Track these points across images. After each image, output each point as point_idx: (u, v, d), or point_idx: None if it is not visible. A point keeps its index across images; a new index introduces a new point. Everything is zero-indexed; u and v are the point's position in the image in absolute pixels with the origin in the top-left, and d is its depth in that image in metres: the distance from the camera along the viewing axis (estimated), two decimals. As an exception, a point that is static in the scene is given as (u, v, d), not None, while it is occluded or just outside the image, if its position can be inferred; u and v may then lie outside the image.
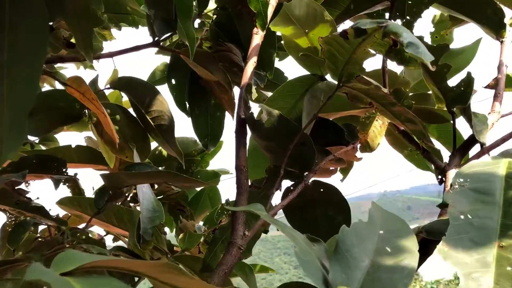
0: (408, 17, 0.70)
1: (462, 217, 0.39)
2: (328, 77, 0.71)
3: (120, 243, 0.98)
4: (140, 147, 0.84)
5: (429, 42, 0.95)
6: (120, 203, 1.01)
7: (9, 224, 1.02)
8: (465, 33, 1.10)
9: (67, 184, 0.84)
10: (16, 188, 0.98)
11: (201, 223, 1.17)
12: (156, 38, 0.87)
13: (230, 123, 1.19)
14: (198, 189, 1.24)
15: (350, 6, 0.69)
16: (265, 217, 0.38)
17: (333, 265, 0.34)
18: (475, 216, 0.39)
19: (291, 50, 0.70)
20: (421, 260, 0.47)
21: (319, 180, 0.62)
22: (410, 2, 0.68)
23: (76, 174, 0.80)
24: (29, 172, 0.91)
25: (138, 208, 0.87)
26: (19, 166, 0.96)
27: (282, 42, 0.72)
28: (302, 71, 0.75)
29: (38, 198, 0.96)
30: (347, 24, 0.74)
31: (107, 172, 1.01)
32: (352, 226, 0.37)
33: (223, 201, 1.18)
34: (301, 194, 0.59)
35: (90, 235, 0.64)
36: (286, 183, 0.65)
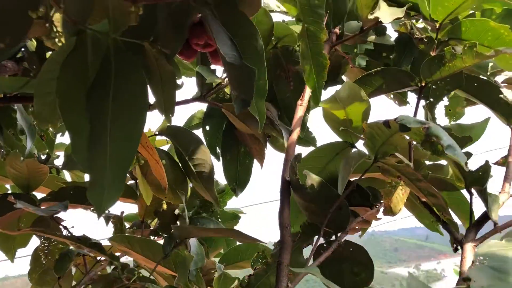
0: (431, 99, 0.80)
1: (483, 291, 0.48)
2: (358, 145, 0.80)
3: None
4: (180, 190, 0.92)
5: (443, 114, 1.06)
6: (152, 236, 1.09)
7: (41, 248, 1.09)
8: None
9: (111, 220, 0.92)
10: (54, 216, 1.06)
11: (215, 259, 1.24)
12: (204, 94, 0.97)
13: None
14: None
15: (382, 85, 0.79)
16: (322, 279, 0.46)
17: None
18: (494, 291, 0.48)
19: (328, 119, 0.79)
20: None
21: (349, 240, 0.71)
22: (434, 87, 0.78)
23: (122, 212, 0.88)
24: (66, 202, 0.99)
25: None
26: (58, 195, 1.04)
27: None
28: (324, 133, 0.85)
29: (73, 227, 1.04)
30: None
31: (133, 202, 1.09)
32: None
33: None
34: (333, 251, 0.67)
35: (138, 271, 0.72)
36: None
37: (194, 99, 0.93)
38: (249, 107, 0.60)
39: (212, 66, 1.00)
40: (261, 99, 0.62)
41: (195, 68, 0.98)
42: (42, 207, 0.99)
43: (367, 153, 0.73)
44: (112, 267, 0.77)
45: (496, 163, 0.80)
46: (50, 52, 0.76)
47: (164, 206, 1.19)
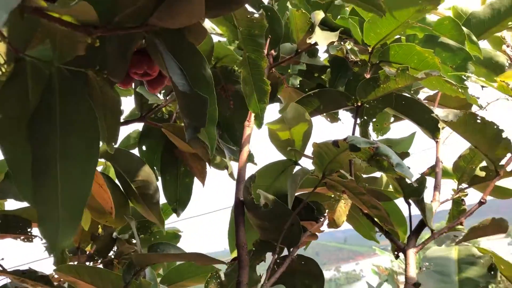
0: (365, 117, 0.86)
1: (432, 294, 0.53)
2: (301, 162, 0.84)
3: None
4: (120, 212, 0.90)
5: (371, 129, 1.14)
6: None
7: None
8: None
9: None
10: (-20, 248, 0.98)
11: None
12: (143, 114, 0.96)
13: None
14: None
15: (320, 106, 0.83)
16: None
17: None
18: (441, 294, 0.53)
19: (272, 138, 0.82)
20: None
21: (301, 254, 0.74)
22: (367, 106, 0.84)
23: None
24: (-6, 231, 0.92)
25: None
26: (-16, 226, 0.97)
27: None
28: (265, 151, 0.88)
29: (3, 259, 0.97)
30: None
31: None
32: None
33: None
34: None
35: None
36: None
37: (134, 120, 0.91)
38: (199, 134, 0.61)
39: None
40: (212, 125, 0.64)
41: (130, 89, 0.97)
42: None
43: (310, 169, 0.77)
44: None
45: (424, 174, 0.88)
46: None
47: (100, 230, 1.15)
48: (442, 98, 0.97)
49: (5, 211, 1.12)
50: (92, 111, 0.55)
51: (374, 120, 1.02)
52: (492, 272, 0.53)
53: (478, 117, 0.62)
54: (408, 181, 0.70)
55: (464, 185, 0.84)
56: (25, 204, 1.04)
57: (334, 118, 1.09)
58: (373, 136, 1.16)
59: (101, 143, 0.94)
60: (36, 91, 0.54)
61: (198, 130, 0.58)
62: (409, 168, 0.56)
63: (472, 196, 0.91)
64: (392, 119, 1.03)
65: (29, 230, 0.99)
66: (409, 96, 0.84)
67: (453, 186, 0.89)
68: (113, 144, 0.64)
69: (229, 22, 0.93)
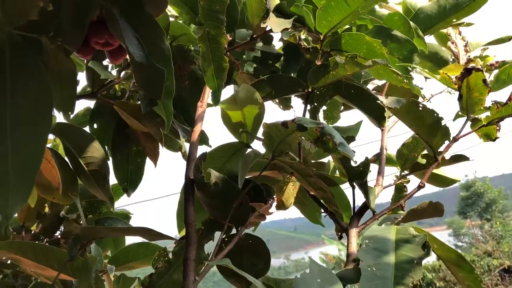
0: (315, 104, 0.89)
1: (369, 269, 0.56)
2: (253, 145, 0.86)
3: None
4: (69, 189, 0.88)
5: (321, 117, 1.17)
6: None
7: None
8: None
9: (-7, 225, 0.84)
10: None
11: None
12: (95, 90, 0.94)
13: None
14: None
15: (272, 92, 0.85)
16: (234, 268, 0.50)
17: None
18: (378, 269, 0.56)
19: (225, 120, 0.83)
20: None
21: (249, 233, 0.75)
22: (318, 93, 0.87)
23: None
24: None
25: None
26: None
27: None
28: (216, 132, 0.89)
29: None
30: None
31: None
32: (301, 276, 0.51)
33: (130, 242, 1.24)
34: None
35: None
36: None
37: (84, 96, 0.89)
38: (156, 108, 0.61)
39: (104, 62, 0.98)
40: (168, 99, 0.64)
41: (83, 63, 0.95)
42: None
43: (262, 152, 0.79)
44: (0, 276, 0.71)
45: (369, 161, 0.92)
46: None
47: (47, 209, 1.12)
48: (389, 89, 1.01)
49: None
50: (45, 79, 0.54)
51: (324, 107, 1.05)
52: (426, 250, 0.57)
53: (420, 105, 0.66)
54: (352, 164, 0.74)
55: (406, 172, 0.89)
56: None
57: (286, 106, 1.11)
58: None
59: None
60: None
61: (155, 102, 0.58)
62: (353, 151, 0.59)
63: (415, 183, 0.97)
64: (341, 108, 1.07)
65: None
66: (358, 85, 0.87)
67: (398, 173, 0.94)
68: (70, 113, 0.63)
69: (184, 3, 0.92)
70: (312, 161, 0.99)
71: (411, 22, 0.89)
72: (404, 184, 0.91)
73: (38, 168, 0.50)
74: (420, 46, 0.91)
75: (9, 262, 0.71)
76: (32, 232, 1.10)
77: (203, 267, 0.66)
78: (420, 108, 0.65)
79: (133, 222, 1.33)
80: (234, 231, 0.75)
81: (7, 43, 0.53)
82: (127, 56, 0.65)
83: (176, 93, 0.99)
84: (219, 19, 0.66)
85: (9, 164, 0.49)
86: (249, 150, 0.85)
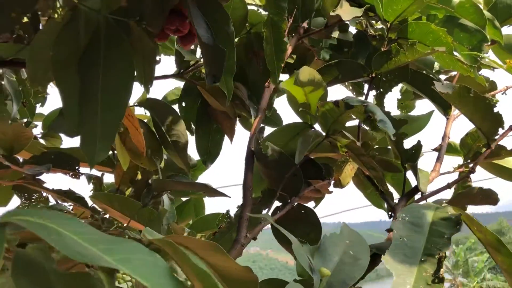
0: (381, 90, 0.92)
1: (400, 239, 0.60)
2: (316, 126, 0.92)
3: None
4: (154, 155, 1.01)
5: (396, 107, 1.19)
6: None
7: (21, 208, 1.16)
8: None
9: (91, 180, 1.01)
10: (36, 178, 1.13)
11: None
12: (181, 71, 1.06)
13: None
14: (184, 198, 1.42)
15: (338, 76, 0.90)
16: (272, 222, 0.57)
17: (316, 258, 0.54)
18: (409, 240, 0.60)
19: (290, 101, 0.90)
20: (372, 267, 0.68)
21: (301, 204, 0.82)
22: (384, 79, 0.90)
23: (103, 174, 0.97)
24: (47, 165, 1.07)
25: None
26: (40, 159, 1.12)
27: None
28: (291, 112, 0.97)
29: (53, 189, 1.12)
30: (336, 88, 0.96)
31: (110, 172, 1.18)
32: (330, 235, 0.57)
33: (207, 211, 1.37)
34: (287, 213, 0.79)
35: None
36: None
37: (172, 75, 1.02)
38: (219, 84, 0.70)
39: (192, 46, 1.09)
40: (229, 77, 0.72)
41: (174, 47, 1.08)
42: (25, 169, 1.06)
43: (322, 133, 0.85)
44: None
45: (435, 149, 0.93)
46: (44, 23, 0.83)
47: (139, 176, 1.28)
48: (461, 80, 1.00)
49: (58, 148, 1.29)
50: (129, 55, 0.65)
51: (393, 95, 1.07)
52: (458, 227, 0.59)
53: (471, 91, 0.67)
54: (405, 147, 0.77)
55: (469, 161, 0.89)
56: (75, 145, 1.17)
57: (359, 92, 1.15)
58: (398, 112, 1.22)
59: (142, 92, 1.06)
60: (86, 35, 0.65)
61: (217, 79, 0.67)
62: (393, 128, 0.63)
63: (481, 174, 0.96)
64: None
65: (77, 168, 1.13)
66: (424, 73, 0.89)
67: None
68: (148, 86, 0.74)
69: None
70: (376, 146, 1.02)
71: (486, 13, 0.88)
72: (468, 174, 0.90)
73: (119, 123, 0.61)
74: (495, 36, 0.90)
75: (100, 210, 0.85)
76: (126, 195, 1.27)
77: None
78: (471, 94, 0.67)
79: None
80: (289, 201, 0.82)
81: (103, 24, 0.65)
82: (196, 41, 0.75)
83: (252, 76, 1.09)
84: (281, 7, 0.73)
85: (98, 120, 0.61)
86: (311, 130, 0.91)
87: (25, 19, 0.97)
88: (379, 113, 0.63)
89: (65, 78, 0.65)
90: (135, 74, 0.76)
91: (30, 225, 0.31)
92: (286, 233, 0.56)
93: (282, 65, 0.79)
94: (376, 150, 1.02)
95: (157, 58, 0.76)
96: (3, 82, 1.05)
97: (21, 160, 1.12)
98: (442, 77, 1.07)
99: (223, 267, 0.49)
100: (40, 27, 0.78)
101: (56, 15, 0.70)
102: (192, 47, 1.11)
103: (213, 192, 0.76)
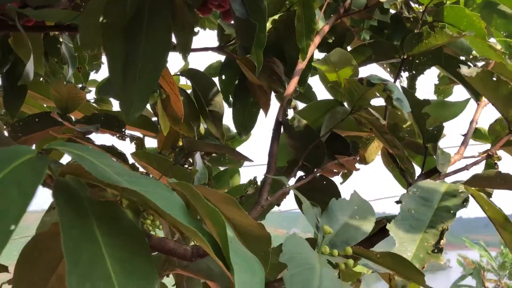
0: (414, 72, 0.94)
1: (408, 211, 0.63)
2: (346, 104, 0.95)
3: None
4: (192, 122, 1.08)
5: (433, 92, 1.19)
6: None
7: (72, 163, 1.27)
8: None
9: (134, 141, 1.09)
10: (86, 136, 1.24)
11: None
12: (222, 45, 1.12)
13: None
14: (221, 168, 1.50)
15: (372, 56, 0.92)
16: (289, 186, 0.62)
17: (323, 219, 0.59)
18: (416, 212, 0.63)
19: (322, 79, 0.94)
20: (381, 238, 0.72)
21: (323, 175, 0.86)
22: (417, 61, 0.92)
23: (144, 136, 1.05)
24: (96, 126, 1.16)
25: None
26: (90, 119, 1.22)
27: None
28: (324, 91, 1.00)
29: (98, 144, 1.22)
30: (368, 67, 0.98)
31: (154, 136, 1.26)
32: (339, 200, 0.62)
33: (241, 181, 1.43)
34: (309, 183, 0.83)
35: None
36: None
37: (212, 48, 1.08)
38: (250, 56, 0.75)
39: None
40: (260, 49, 0.77)
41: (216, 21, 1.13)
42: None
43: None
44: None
45: (464, 135, 0.94)
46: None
47: (180, 143, 1.36)
48: (497, 68, 1.00)
49: (107, 110, 1.39)
50: (169, 26, 0.71)
51: (428, 79, 1.08)
52: (464, 203, 0.62)
53: (494, 75, 0.68)
54: (427, 127, 0.79)
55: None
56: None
57: (395, 74, 1.16)
58: (434, 97, 1.22)
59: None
60: (132, 3, 0.72)
61: (248, 50, 0.72)
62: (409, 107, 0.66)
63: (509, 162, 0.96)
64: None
65: (123, 130, 1.22)
66: (457, 57, 0.90)
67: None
68: (186, 55, 0.80)
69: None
70: (407, 128, 1.04)
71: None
72: (495, 161, 0.91)
73: (154, 86, 0.68)
74: (536, 24, 0.89)
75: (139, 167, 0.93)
76: (166, 159, 1.35)
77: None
78: (494, 79, 0.68)
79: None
80: (313, 172, 0.86)
81: (147, -6, 0.71)
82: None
83: (290, 52, 1.13)
84: (314, -15, 0.77)
85: (136, 82, 0.68)
86: (341, 107, 0.94)
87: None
88: (396, 91, 0.66)
89: (112, 44, 0.72)
90: (175, 43, 0.82)
91: (70, 154, 0.37)
92: (298, 194, 0.61)
93: (311, 42, 0.83)
94: (407, 132, 1.04)
95: (196, 29, 0.82)
96: (60, 46, 1.15)
97: (73, 119, 1.23)
98: (480, 64, 1.07)
99: (239, 221, 0.55)
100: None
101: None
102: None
103: (238, 155, 0.82)
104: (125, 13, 0.72)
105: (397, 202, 0.69)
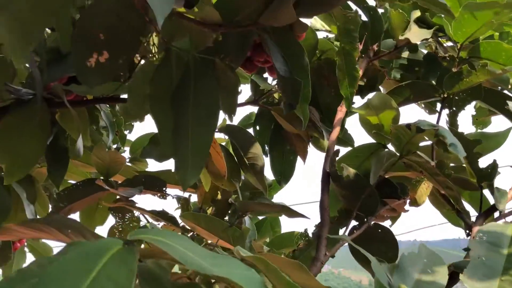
0: (454, 109, 0.93)
1: (478, 258, 0.61)
2: (389, 146, 0.94)
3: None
4: (233, 177, 1.09)
5: (470, 123, 1.18)
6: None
7: (116, 227, 1.28)
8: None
9: (180, 200, 1.10)
10: (129, 199, 1.25)
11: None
12: (257, 98, 1.13)
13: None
14: (261, 217, 1.49)
15: (410, 96, 0.92)
16: (346, 238, 0.61)
17: (395, 276, 0.57)
18: (488, 259, 0.61)
19: (363, 123, 0.94)
20: (451, 285, 0.69)
21: (377, 223, 0.85)
22: (457, 98, 0.91)
23: (190, 195, 1.06)
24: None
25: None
26: (132, 182, 1.24)
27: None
28: (362, 133, 1.00)
29: (148, 209, 1.23)
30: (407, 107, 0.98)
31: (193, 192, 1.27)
32: (408, 254, 0.60)
33: (283, 230, 1.42)
34: (363, 232, 0.82)
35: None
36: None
37: (248, 103, 1.09)
38: (295, 110, 0.75)
39: (264, 75, 1.17)
40: (305, 104, 0.78)
41: (249, 76, 1.16)
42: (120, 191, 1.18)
43: (395, 152, 0.88)
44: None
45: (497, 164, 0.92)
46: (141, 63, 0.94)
47: (219, 196, 1.36)
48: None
49: (147, 172, 1.40)
50: (216, 89, 0.73)
51: (468, 112, 1.07)
52: (539, 247, 0.60)
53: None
54: (480, 166, 0.78)
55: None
56: (162, 168, 1.28)
57: (432, 110, 1.15)
58: (472, 129, 1.21)
59: (222, 119, 1.15)
60: (178, 72, 0.74)
61: (294, 107, 0.73)
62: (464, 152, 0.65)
63: None
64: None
65: (164, 189, 1.23)
66: (498, 90, 0.89)
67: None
68: (232, 115, 0.82)
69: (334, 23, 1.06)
70: (451, 164, 1.02)
71: None
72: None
73: (207, 152, 0.68)
74: None
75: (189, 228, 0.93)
76: (207, 214, 1.35)
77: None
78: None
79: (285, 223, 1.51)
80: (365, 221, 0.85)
81: (192, 62, 0.73)
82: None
83: (324, 100, 1.14)
84: (353, 36, 0.78)
85: (189, 149, 0.69)
86: (385, 150, 0.93)
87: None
88: (450, 137, 0.65)
89: (160, 111, 0.73)
90: (222, 106, 0.83)
91: (156, 242, 0.38)
92: (364, 253, 0.60)
93: (355, 90, 0.83)
94: (451, 168, 1.03)
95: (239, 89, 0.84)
96: (99, 114, 1.18)
97: (115, 182, 1.24)
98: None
99: (306, 285, 0.54)
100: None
101: (152, 56, 0.79)
102: (265, 75, 1.19)
103: (292, 213, 0.81)
104: (172, 82, 0.74)
105: (465, 249, 0.67)
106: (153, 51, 0.77)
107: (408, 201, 0.92)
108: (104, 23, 0.65)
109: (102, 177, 1.22)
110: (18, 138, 0.81)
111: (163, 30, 0.72)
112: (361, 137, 1.24)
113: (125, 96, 0.92)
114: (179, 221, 0.97)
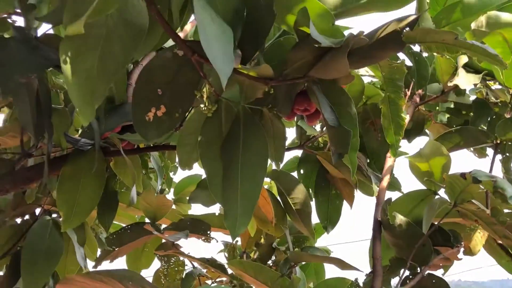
0: (507, 154, 0.91)
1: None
2: (440, 193, 0.93)
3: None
4: (280, 223, 1.08)
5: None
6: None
7: (161, 271, 1.29)
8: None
9: (227, 248, 1.11)
10: (174, 243, 1.27)
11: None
12: (302, 142, 1.14)
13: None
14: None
15: (460, 142, 0.91)
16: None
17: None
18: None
19: (413, 170, 0.93)
20: None
21: (430, 273, 0.82)
22: (510, 144, 0.89)
23: (237, 241, 1.06)
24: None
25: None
26: (178, 226, 1.25)
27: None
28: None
29: (189, 253, 1.24)
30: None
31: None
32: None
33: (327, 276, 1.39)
34: (417, 282, 0.79)
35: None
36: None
37: (295, 147, 1.10)
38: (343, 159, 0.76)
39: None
40: (353, 152, 0.78)
41: (295, 122, 1.17)
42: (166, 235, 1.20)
43: (447, 199, 0.86)
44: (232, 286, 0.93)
45: None
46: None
47: (262, 240, 1.36)
48: None
49: (192, 215, 1.42)
50: (264, 138, 0.74)
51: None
52: None
53: None
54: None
55: None
56: (206, 211, 1.29)
57: (482, 154, 1.13)
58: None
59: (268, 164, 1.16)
60: (227, 122, 0.76)
61: (342, 156, 0.73)
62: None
63: None
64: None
65: (208, 232, 1.24)
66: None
67: None
68: (279, 163, 0.82)
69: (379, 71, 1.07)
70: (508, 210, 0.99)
71: None
72: None
73: (257, 201, 0.69)
74: None
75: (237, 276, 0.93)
76: (250, 258, 1.35)
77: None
78: None
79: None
80: (418, 271, 0.83)
81: (241, 113, 0.75)
82: (321, 118, 0.82)
83: (370, 144, 1.13)
84: (398, 85, 0.78)
85: (238, 199, 0.70)
86: (436, 197, 0.92)
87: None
88: (509, 189, 0.63)
89: (210, 159, 0.75)
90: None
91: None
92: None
93: (401, 138, 0.83)
94: (506, 214, 0.99)
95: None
96: (149, 160, 1.22)
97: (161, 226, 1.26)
98: None
99: None
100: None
101: (203, 108, 0.82)
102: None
103: (345, 266, 0.80)
104: (221, 131, 0.76)
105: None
106: (206, 104, 0.79)
107: (462, 249, 0.89)
108: (162, 78, 0.69)
109: (149, 221, 1.24)
110: (77, 187, 0.84)
111: (214, 83, 0.74)
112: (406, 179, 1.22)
113: (174, 143, 0.95)
114: (226, 267, 0.97)
